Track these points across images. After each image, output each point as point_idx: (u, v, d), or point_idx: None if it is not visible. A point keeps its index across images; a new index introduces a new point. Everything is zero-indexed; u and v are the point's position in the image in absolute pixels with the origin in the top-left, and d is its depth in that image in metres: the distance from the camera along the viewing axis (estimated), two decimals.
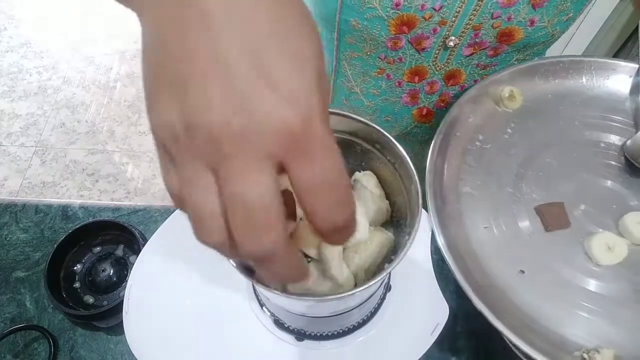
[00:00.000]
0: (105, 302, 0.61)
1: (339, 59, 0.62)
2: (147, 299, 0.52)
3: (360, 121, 0.45)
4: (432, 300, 0.53)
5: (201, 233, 0.22)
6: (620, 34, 1.36)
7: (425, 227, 0.56)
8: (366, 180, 0.48)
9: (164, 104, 0.21)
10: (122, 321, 0.51)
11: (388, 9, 0.48)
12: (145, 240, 0.59)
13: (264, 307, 0.52)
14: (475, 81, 0.56)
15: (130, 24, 2.32)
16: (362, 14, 0.50)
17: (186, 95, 0.20)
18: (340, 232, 0.23)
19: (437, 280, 0.54)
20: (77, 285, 0.62)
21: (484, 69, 0.54)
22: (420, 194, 0.40)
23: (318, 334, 0.51)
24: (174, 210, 0.56)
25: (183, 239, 0.55)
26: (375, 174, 0.49)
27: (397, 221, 0.48)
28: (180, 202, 0.22)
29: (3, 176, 1.88)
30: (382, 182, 0.49)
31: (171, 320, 0.52)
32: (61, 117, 2.03)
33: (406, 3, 0.47)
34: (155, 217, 0.69)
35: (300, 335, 0.51)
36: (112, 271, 0.63)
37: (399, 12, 0.48)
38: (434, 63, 0.54)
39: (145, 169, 1.89)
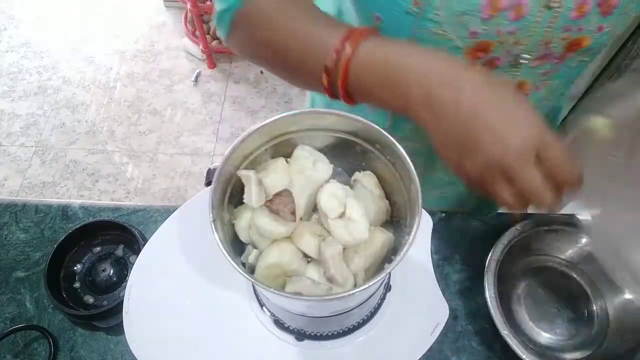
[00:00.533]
0: (105, 302, 0.61)
1: None
2: (147, 299, 0.52)
3: (360, 121, 0.44)
4: (432, 300, 0.53)
5: (521, 203, 0.41)
6: None
7: (425, 227, 0.56)
8: (366, 180, 0.48)
9: (469, 157, 0.41)
10: (122, 321, 0.51)
11: (465, 39, 0.48)
12: (145, 240, 0.59)
13: (264, 307, 0.52)
14: (538, 88, 0.56)
15: (130, 24, 2.32)
16: (437, 46, 0.49)
17: (478, 150, 0.40)
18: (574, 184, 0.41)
19: (437, 280, 0.54)
20: (77, 285, 0.62)
21: (545, 75, 0.55)
22: (420, 193, 0.40)
23: (318, 334, 0.51)
24: (174, 210, 0.56)
25: (183, 239, 0.55)
26: (375, 174, 0.49)
27: (397, 221, 0.48)
28: (502, 198, 0.41)
29: (3, 176, 1.88)
30: (382, 182, 0.49)
31: (171, 320, 0.52)
32: (61, 117, 2.03)
33: (483, 31, 0.47)
34: (155, 217, 0.69)
35: (300, 335, 0.51)
36: (112, 271, 0.63)
37: (475, 40, 0.48)
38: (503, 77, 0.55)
39: (145, 169, 1.89)
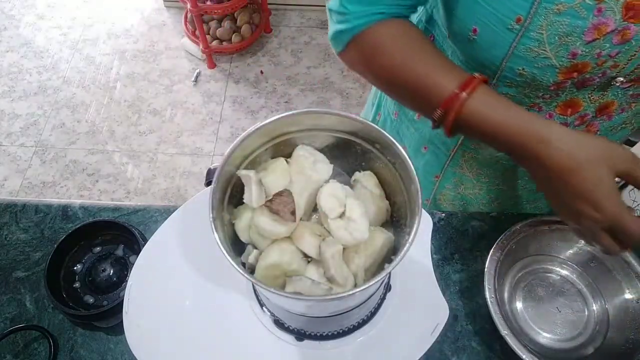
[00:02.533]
0: (105, 302, 0.61)
1: None
2: (147, 299, 0.52)
3: (360, 121, 0.45)
4: (432, 300, 0.53)
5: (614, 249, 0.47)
6: None
7: (425, 227, 0.56)
8: (366, 180, 0.48)
9: (581, 215, 0.46)
10: (122, 321, 0.51)
11: (563, 59, 0.47)
12: (145, 240, 0.59)
13: (264, 307, 0.52)
14: (623, 110, 0.56)
15: (130, 24, 2.32)
16: (532, 64, 0.49)
17: (584, 211, 0.45)
18: None
19: (437, 280, 0.54)
20: (77, 285, 0.62)
21: (633, 98, 0.54)
22: (420, 193, 0.40)
23: (318, 334, 0.51)
24: (174, 210, 0.56)
25: (183, 239, 0.55)
26: (375, 174, 0.49)
27: (397, 221, 0.48)
28: (602, 244, 0.47)
29: (3, 176, 1.88)
30: (382, 182, 0.49)
31: (171, 320, 0.52)
32: (61, 117, 2.03)
33: (583, 53, 0.46)
34: (155, 217, 0.69)
35: (300, 335, 0.51)
36: (112, 271, 0.63)
37: (574, 61, 0.47)
38: (590, 96, 0.53)
39: (145, 169, 1.89)
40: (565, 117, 0.56)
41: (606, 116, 0.57)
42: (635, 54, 0.47)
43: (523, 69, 0.50)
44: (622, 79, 0.50)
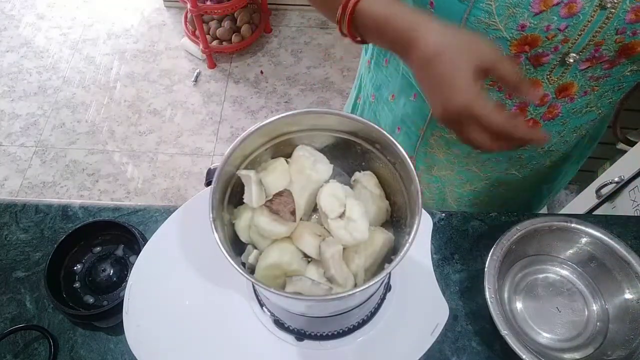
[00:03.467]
0: (105, 302, 0.61)
1: None
2: (147, 299, 0.52)
3: (360, 121, 0.45)
4: (432, 300, 0.53)
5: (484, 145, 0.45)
6: None
7: (425, 227, 0.56)
8: (366, 180, 0.48)
9: (446, 108, 0.44)
10: (122, 321, 0.51)
11: (513, 30, 0.48)
12: (145, 240, 0.59)
13: (264, 307, 0.52)
14: (586, 92, 0.56)
15: (130, 24, 2.32)
16: (486, 35, 0.50)
17: (445, 99, 0.44)
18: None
19: (437, 280, 0.54)
20: (77, 285, 0.62)
21: (596, 81, 0.54)
22: (420, 193, 0.40)
23: (318, 334, 0.51)
24: (174, 210, 0.56)
25: (183, 239, 0.55)
26: (375, 174, 0.49)
27: (397, 221, 0.48)
28: (468, 139, 0.45)
29: (3, 176, 1.88)
30: (382, 182, 0.49)
31: (171, 320, 0.52)
32: (61, 117, 2.03)
33: (532, 25, 0.47)
34: (155, 217, 0.69)
35: (300, 335, 0.51)
36: (112, 271, 0.63)
37: (523, 33, 0.48)
38: (549, 77, 0.54)
39: (145, 169, 1.89)
40: (525, 97, 0.57)
41: (568, 98, 0.57)
42: (584, 29, 0.47)
43: None
44: (575, 55, 0.50)
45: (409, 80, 0.66)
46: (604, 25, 0.47)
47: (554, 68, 0.53)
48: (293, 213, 0.43)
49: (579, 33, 0.48)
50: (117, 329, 0.60)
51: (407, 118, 0.70)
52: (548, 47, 0.50)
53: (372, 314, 0.52)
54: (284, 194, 0.43)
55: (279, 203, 0.43)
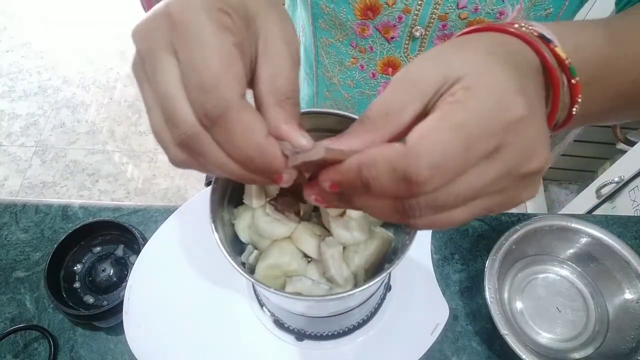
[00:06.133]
0: (105, 302, 0.61)
1: (317, 46, 0.62)
2: (147, 299, 0.52)
3: None
4: (432, 300, 0.53)
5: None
6: None
7: None
8: None
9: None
10: (122, 321, 0.51)
11: None
12: (145, 240, 0.59)
13: (264, 307, 0.52)
14: None
15: (130, 24, 2.32)
16: (330, 2, 0.50)
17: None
18: None
19: (437, 280, 0.54)
20: (77, 285, 0.62)
21: None
22: None
23: (318, 334, 0.51)
24: (174, 210, 0.56)
25: (183, 239, 0.55)
26: None
27: None
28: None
29: (3, 176, 1.88)
30: None
31: (171, 320, 0.52)
32: (61, 117, 2.03)
33: None
34: (155, 217, 0.69)
35: (300, 335, 0.51)
36: (112, 271, 0.63)
37: None
38: (406, 54, 0.54)
39: (145, 169, 1.89)
40: (388, 76, 0.58)
41: None
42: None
43: (324, 2, 0.51)
44: (421, 29, 0.50)
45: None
46: None
47: (408, 44, 0.52)
48: (297, 214, 0.43)
49: (419, 3, 0.47)
50: (117, 329, 0.60)
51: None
52: (391, 16, 0.49)
53: (372, 314, 0.52)
54: (287, 194, 0.43)
55: (283, 203, 0.42)
